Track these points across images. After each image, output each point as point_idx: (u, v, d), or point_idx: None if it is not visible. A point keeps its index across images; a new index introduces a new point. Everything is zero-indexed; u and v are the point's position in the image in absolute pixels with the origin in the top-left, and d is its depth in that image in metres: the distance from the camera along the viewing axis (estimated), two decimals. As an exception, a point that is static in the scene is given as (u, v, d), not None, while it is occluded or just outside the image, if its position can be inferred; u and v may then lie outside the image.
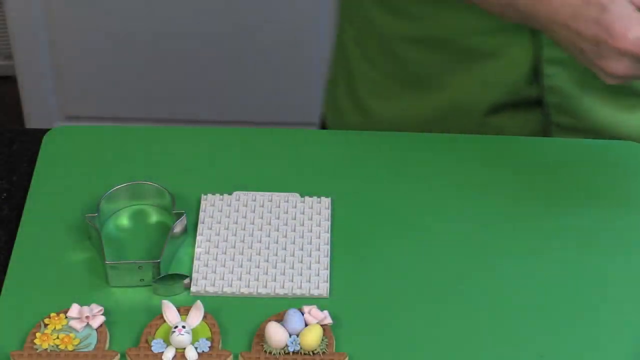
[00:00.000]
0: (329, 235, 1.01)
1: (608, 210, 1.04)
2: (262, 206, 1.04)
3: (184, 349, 0.90)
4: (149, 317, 0.93)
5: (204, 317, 0.93)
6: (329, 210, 1.03)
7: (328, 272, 0.98)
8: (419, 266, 0.99)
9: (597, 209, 1.04)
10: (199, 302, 0.93)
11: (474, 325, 0.94)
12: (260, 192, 1.05)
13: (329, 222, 1.02)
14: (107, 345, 0.91)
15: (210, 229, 1.01)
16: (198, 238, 1.00)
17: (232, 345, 0.92)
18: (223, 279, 0.97)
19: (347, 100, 1.25)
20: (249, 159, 1.09)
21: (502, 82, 1.16)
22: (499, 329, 0.94)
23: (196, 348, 0.90)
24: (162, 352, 0.90)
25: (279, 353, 0.91)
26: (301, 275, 0.97)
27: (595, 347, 0.93)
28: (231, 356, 0.91)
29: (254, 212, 1.03)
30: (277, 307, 0.94)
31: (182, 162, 1.08)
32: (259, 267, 0.98)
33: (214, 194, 1.04)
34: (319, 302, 0.94)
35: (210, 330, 0.92)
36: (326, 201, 1.04)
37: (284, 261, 0.99)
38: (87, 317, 0.92)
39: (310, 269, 0.98)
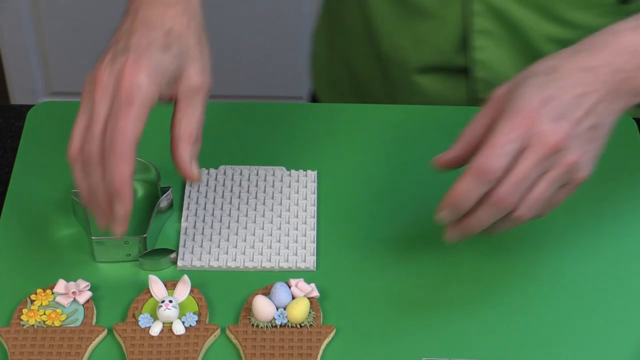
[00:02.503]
0: (315, 208, 1.01)
1: (606, 184, 1.04)
2: (248, 180, 1.03)
3: (171, 323, 0.90)
4: (136, 292, 0.93)
5: (191, 291, 0.93)
6: (315, 184, 1.03)
7: (315, 245, 0.98)
8: (406, 238, 0.99)
9: (593, 182, 1.05)
10: (185, 277, 0.93)
11: (462, 295, 0.94)
12: (246, 166, 1.04)
13: (315, 195, 1.02)
14: (94, 321, 0.91)
15: (197, 203, 1.01)
16: (184, 212, 1.00)
17: (220, 319, 0.92)
18: (210, 253, 0.97)
19: (317, 48, 1.33)
20: (234, 133, 1.08)
21: (433, 44, 1.17)
22: (488, 297, 0.94)
23: (183, 322, 0.90)
24: (149, 327, 0.90)
25: (267, 326, 0.91)
26: (288, 248, 0.97)
27: (585, 316, 0.93)
28: (218, 330, 0.91)
29: (240, 185, 1.03)
30: (264, 281, 0.94)
31: (167, 137, 1.08)
32: (245, 241, 0.98)
33: (200, 168, 1.04)
34: (306, 275, 0.94)
35: (198, 305, 0.92)
36: (312, 174, 1.04)
37: (271, 234, 0.99)
38: (73, 292, 0.92)
39: (297, 242, 0.98)
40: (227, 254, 0.97)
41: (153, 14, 0.89)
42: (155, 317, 0.91)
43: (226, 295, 0.94)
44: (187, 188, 1.02)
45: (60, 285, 0.93)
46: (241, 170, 1.04)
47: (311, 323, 0.90)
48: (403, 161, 1.06)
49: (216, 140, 1.08)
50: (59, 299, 0.92)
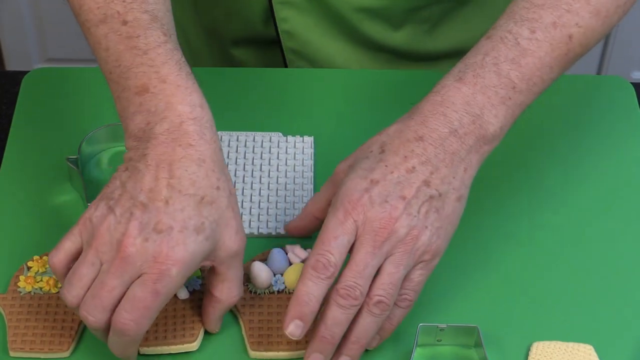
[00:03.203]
0: (312, 174, 1.01)
1: (606, 149, 1.04)
2: (245, 146, 1.03)
3: None
4: None
5: None
6: (312, 150, 1.03)
7: None
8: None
9: (588, 140, 1.05)
10: None
11: (458, 261, 0.94)
12: (242, 132, 1.04)
13: (312, 162, 1.02)
14: None
15: None
16: None
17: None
18: None
19: None
20: (231, 99, 1.08)
21: (242, 16, 1.17)
22: (484, 263, 0.94)
23: (187, 287, 0.90)
24: None
25: (264, 292, 0.91)
26: (285, 214, 0.97)
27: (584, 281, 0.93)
28: None
29: (236, 152, 1.02)
30: (261, 247, 0.94)
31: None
32: (242, 207, 0.98)
33: None
34: (303, 242, 0.94)
35: (200, 269, 0.91)
36: (309, 140, 1.03)
37: (268, 201, 0.98)
38: None
39: (294, 208, 0.98)
40: None
41: (179, 169, 0.81)
42: None
43: None
44: None
45: None
46: (238, 137, 1.04)
47: None
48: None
49: (212, 106, 1.07)
50: None
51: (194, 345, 0.88)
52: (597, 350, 0.87)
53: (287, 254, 0.93)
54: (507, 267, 0.94)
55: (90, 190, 0.98)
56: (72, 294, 0.81)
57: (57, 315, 0.89)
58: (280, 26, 1.14)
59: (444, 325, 0.87)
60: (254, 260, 0.92)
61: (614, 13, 0.89)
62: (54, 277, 0.91)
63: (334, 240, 0.83)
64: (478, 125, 0.85)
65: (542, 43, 0.86)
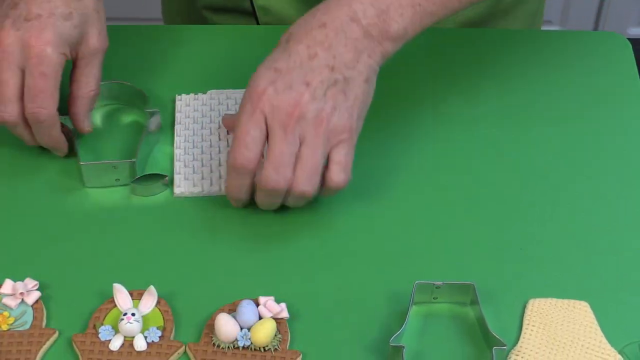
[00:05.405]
0: None
1: (602, 104, 1.04)
2: (237, 103, 1.02)
3: (133, 337, 0.84)
4: (87, 289, 0.88)
5: (158, 302, 0.87)
6: None
7: None
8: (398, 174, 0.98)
9: (584, 96, 1.05)
10: (152, 288, 0.86)
11: (454, 217, 0.94)
12: (235, 90, 1.03)
13: None
14: (44, 323, 0.86)
15: (187, 129, 1.00)
16: (176, 139, 0.99)
17: (186, 334, 0.85)
18: (204, 179, 0.96)
19: None
20: (222, 57, 1.07)
21: None
22: (482, 220, 0.94)
23: (146, 337, 0.84)
24: (110, 340, 0.84)
25: (228, 347, 0.84)
26: None
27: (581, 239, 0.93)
28: (182, 348, 0.84)
29: (229, 109, 1.02)
30: (232, 297, 0.87)
31: (155, 62, 1.06)
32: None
33: (188, 94, 1.03)
34: (277, 295, 0.87)
35: (163, 318, 0.86)
36: None
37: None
38: (21, 293, 0.86)
39: None
40: (221, 178, 0.96)
41: None
42: (117, 329, 0.85)
43: (196, 308, 0.87)
44: (177, 114, 1.01)
45: (7, 285, 0.87)
46: (230, 94, 1.03)
47: (276, 347, 0.84)
48: (399, 83, 1.05)
49: (203, 65, 1.06)
50: (5, 300, 0.86)
51: None
52: (592, 307, 0.87)
53: (258, 306, 0.86)
54: (503, 225, 0.94)
55: (83, 149, 0.98)
56: None
57: (9, 354, 0.83)
58: (255, 2, 1.14)
59: (439, 283, 0.86)
60: (221, 311, 0.86)
61: None
62: (4, 313, 0.85)
63: (247, 135, 0.85)
64: (382, 20, 0.87)
65: None
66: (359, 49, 0.87)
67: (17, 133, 0.93)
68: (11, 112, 0.91)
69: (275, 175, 0.86)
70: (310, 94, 0.85)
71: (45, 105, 0.90)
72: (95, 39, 0.94)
